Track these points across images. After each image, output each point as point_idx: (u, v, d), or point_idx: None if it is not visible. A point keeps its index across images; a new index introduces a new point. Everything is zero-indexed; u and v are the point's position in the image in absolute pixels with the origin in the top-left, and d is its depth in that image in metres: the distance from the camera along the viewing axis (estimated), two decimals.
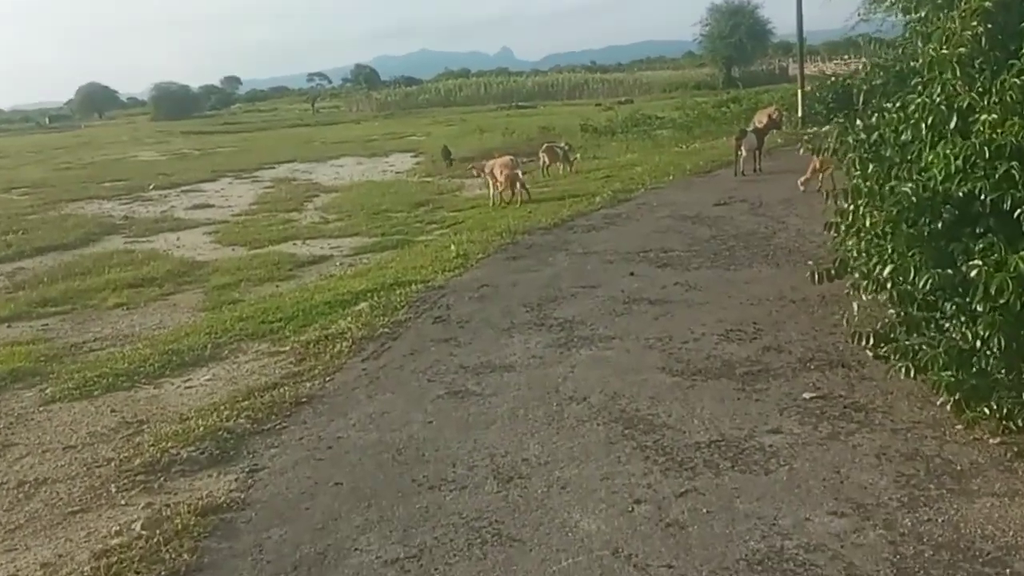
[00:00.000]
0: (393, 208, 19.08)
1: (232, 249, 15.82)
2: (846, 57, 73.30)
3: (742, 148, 17.61)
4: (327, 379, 7.29)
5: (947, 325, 5.74)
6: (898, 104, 6.66)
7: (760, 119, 25.26)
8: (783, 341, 7.46)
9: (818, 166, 14.64)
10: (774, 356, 7.13)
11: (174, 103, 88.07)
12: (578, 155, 25.20)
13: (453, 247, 11.99)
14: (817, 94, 27.20)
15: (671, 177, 17.89)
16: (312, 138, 45.87)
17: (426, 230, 16.08)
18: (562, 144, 22.79)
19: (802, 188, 14.63)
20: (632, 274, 10.08)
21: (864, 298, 6.45)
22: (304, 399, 6.85)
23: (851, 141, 6.79)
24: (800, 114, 26.43)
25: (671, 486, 5.10)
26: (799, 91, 26.74)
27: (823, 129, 26.15)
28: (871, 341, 6.18)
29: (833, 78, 28.23)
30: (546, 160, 21.73)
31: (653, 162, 21.15)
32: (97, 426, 6.82)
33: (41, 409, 7.37)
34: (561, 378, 6.94)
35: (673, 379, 6.77)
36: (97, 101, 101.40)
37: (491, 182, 17.43)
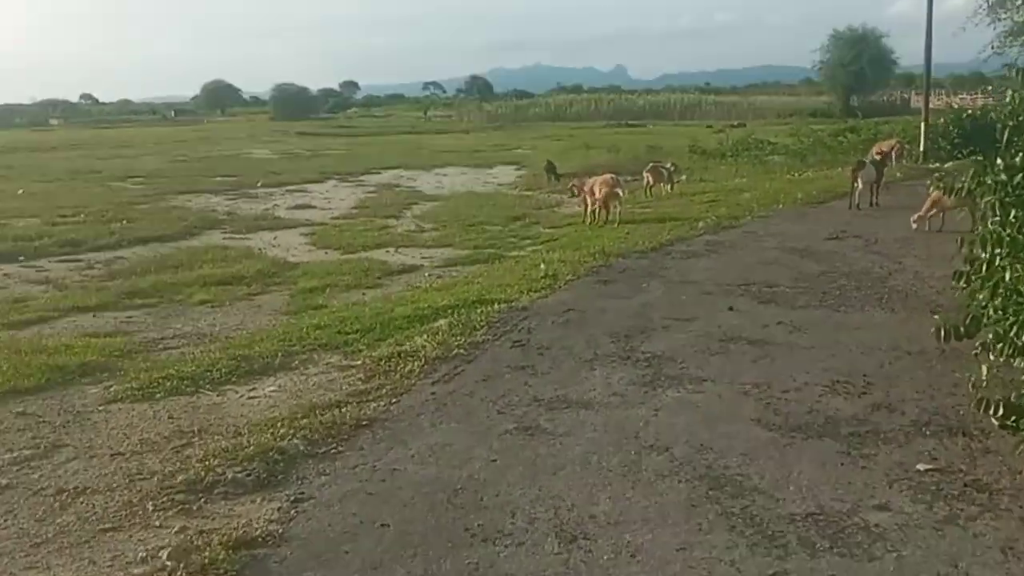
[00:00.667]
0: (489, 220, 18.67)
1: (325, 252, 15.63)
2: (973, 92, 70.26)
3: (859, 180, 16.57)
4: (393, 401, 6.80)
5: None
6: None
7: (878, 150, 24.07)
8: (895, 399, 6.63)
9: (934, 205, 13.60)
10: (885, 416, 6.31)
11: (293, 104, 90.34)
12: (683, 176, 24.41)
13: (543, 266, 11.44)
14: (942, 129, 25.70)
15: (781, 205, 16.95)
16: (421, 145, 46.11)
17: (519, 245, 15.57)
18: (667, 165, 22.02)
19: (914, 226, 13.61)
20: (732, 309, 9.32)
21: (995, 360, 5.62)
22: (366, 421, 6.37)
23: (990, 182, 5.96)
24: (923, 148, 24.97)
25: (758, 565, 4.40)
26: (923, 124, 25.29)
27: (948, 165, 24.76)
28: (1000, 411, 5.36)
29: (964, 112, 26.52)
30: (650, 180, 21.01)
31: (763, 188, 20.18)
32: (151, 432, 6.47)
33: (101, 408, 7.08)
34: (643, 422, 6.28)
35: (769, 434, 6.04)
36: (220, 98, 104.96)
37: (588, 199, 16.83)
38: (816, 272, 11.08)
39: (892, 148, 23.70)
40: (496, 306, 9.51)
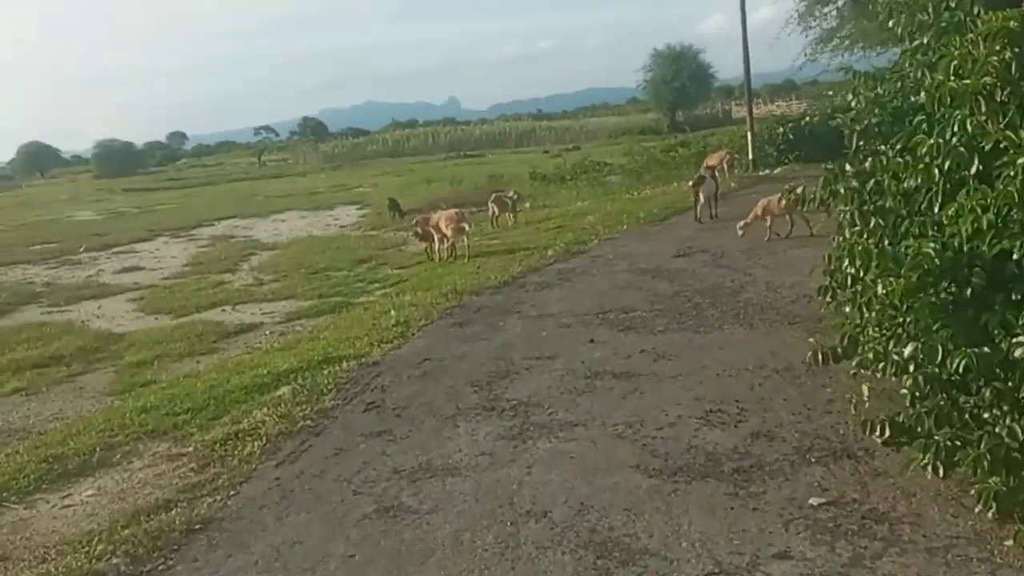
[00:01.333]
0: (333, 266, 17.83)
1: (155, 318, 14.42)
2: (788, 99, 74.07)
3: (700, 194, 16.65)
4: (231, 493, 5.92)
5: (986, 416, 4.63)
6: (899, 146, 5.63)
7: (707, 164, 24.59)
8: (773, 425, 6.28)
9: (760, 212, 13.74)
10: (765, 446, 5.93)
11: (117, 160, 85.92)
12: (527, 204, 24.23)
13: (393, 312, 10.72)
14: (767, 136, 26.55)
15: (625, 227, 16.82)
16: (256, 192, 44.51)
17: (367, 290, 14.83)
18: (510, 194, 21.67)
19: (740, 233, 13.69)
20: (592, 341, 8.87)
21: (874, 378, 5.34)
22: (199, 524, 5.48)
23: (842, 191, 5.72)
24: (751, 157, 25.68)
25: None
26: (749, 133, 26.04)
27: (777, 171, 25.58)
28: (887, 432, 5.05)
29: (787, 121, 27.48)
30: (495, 210, 20.61)
31: (605, 210, 20.13)
32: None
33: None
34: (516, 483, 5.67)
35: (650, 481, 5.54)
36: (39, 160, 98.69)
37: (436, 236, 16.27)
38: (670, 292, 10.82)
39: (722, 159, 24.24)
40: (345, 364, 8.73)
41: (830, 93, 33.84)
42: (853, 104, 6.02)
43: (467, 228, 16.00)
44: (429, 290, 12.97)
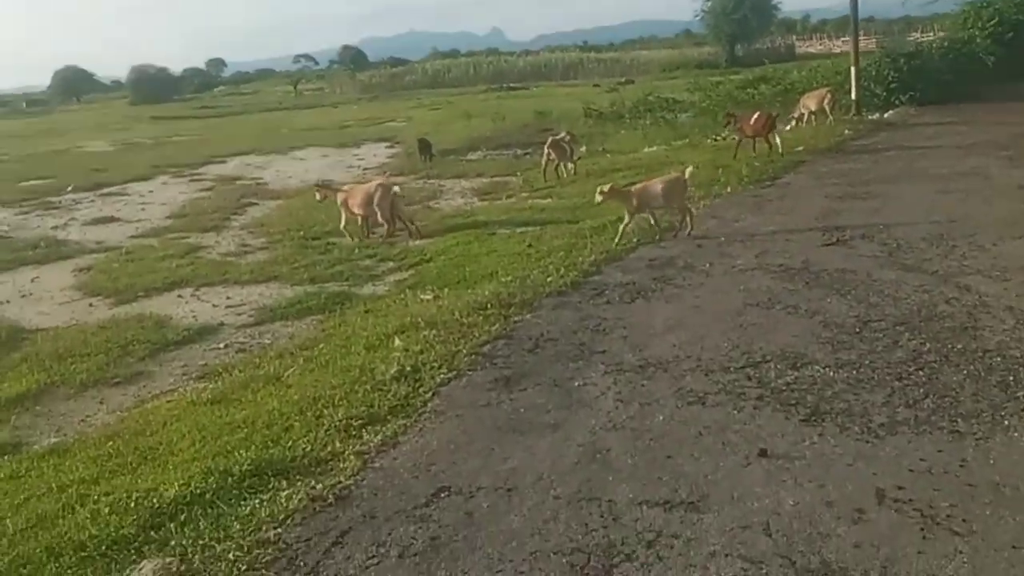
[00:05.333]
0: (341, 229, 13.54)
1: (90, 304, 10.29)
2: (863, 35, 67.55)
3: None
4: None
5: None
6: None
7: (807, 103, 19.80)
8: None
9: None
10: None
11: (153, 86, 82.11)
12: (583, 148, 19.61)
13: (398, 353, 6.34)
14: (874, 73, 21.56)
15: (728, 188, 12.30)
16: (284, 124, 40.09)
17: (376, 273, 10.53)
18: (562, 135, 17.05)
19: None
20: (765, 454, 4.53)
21: None
22: None
23: None
24: (854, 97, 20.72)
25: None
26: (852, 69, 20.98)
27: (889, 114, 20.70)
28: None
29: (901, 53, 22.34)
30: (552, 157, 16.04)
31: (688, 160, 15.54)
32: None
33: None
34: None
35: None
36: (74, 84, 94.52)
37: (344, 214, 12.48)
38: (852, 322, 6.41)
39: (823, 99, 19.47)
40: (283, 494, 4.45)
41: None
42: None
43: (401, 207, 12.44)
44: (458, 286, 8.72)
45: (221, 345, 8.24)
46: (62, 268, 12.45)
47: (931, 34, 48.87)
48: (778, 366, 5.66)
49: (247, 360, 7.51)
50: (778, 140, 15.37)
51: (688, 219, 9.71)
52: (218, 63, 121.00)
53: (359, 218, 12.44)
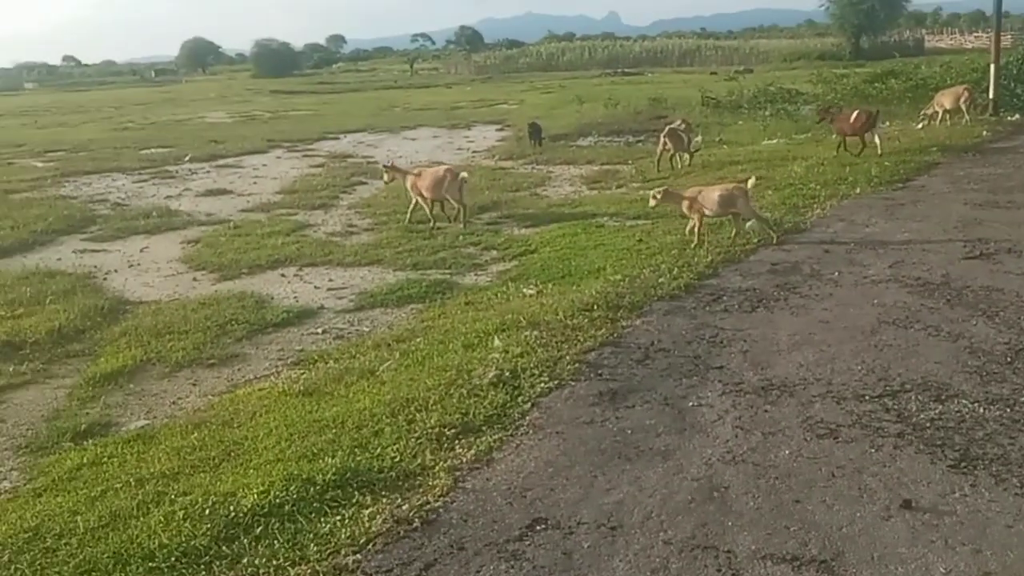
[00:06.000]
0: (447, 211, 13.24)
1: (194, 279, 10.24)
2: (990, 29, 63.76)
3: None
4: None
5: None
6: None
7: (942, 101, 18.47)
8: None
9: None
10: None
11: (275, 60, 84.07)
12: (699, 138, 18.81)
13: (496, 355, 5.91)
14: (1015, 71, 19.99)
15: (857, 188, 11.44)
16: (396, 103, 40.26)
17: (479, 262, 10.16)
18: (678, 123, 16.28)
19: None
20: (909, 505, 3.91)
21: None
22: None
23: None
24: (992, 96, 19.24)
25: None
26: (992, 66, 19.46)
27: None
28: None
29: None
30: (669, 147, 15.33)
31: (813, 156, 14.65)
32: None
33: None
34: None
35: None
36: (201, 56, 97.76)
37: (412, 196, 12.33)
38: (1003, 350, 5.67)
39: (959, 97, 18.13)
40: (369, 511, 4.05)
41: None
42: None
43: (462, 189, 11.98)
44: (563, 281, 8.27)
45: (319, 330, 8.00)
46: (171, 239, 12.52)
47: None
48: (919, 397, 5.01)
49: (343, 348, 7.23)
50: (877, 140, 14.41)
51: (769, 229, 9.01)
52: (338, 40, 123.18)
53: (428, 201, 12.15)
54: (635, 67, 63.22)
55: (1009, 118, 18.48)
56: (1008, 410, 4.80)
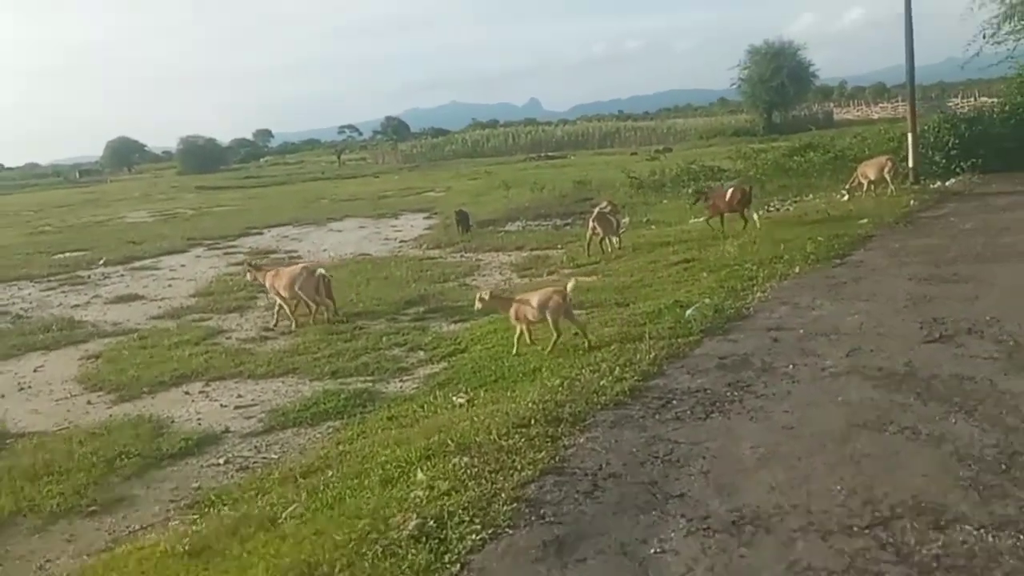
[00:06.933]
0: (373, 308, 12.32)
1: (88, 402, 9.07)
2: (895, 100, 66.08)
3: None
4: None
5: None
6: None
7: (866, 172, 18.36)
8: None
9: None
10: None
11: (201, 156, 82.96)
12: (626, 219, 18.38)
13: (419, 493, 4.90)
14: (931, 140, 20.09)
15: (795, 267, 10.87)
16: (324, 194, 39.48)
17: (405, 366, 9.20)
18: (603, 205, 15.63)
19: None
20: None
21: None
22: None
23: None
24: (911, 164, 19.24)
25: None
26: (910, 135, 19.48)
27: (951, 182, 19.16)
28: None
29: (954, 118, 21.01)
30: (598, 231, 14.69)
31: (744, 235, 14.17)
32: None
33: None
34: None
35: None
36: (126, 155, 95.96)
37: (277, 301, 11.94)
38: (994, 454, 4.92)
39: (883, 168, 18.03)
40: None
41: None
42: None
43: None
44: (495, 386, 7.39)
45: (221, 460, 6.93)
46: (70, 355, 11.31)
47: (971, 99, 47.54)
48: (916, 524, 4.20)
49: (245, 485, 6.17)
50: (755, 216, 14.68)
51: (584, 332, 8.38)
52: (265, 134, 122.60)
53: (288, 301, 11.62)
54: (558, 151, 63.81)
55: (932, 185, 18.43)
56: (1021, 537, 4.01)
